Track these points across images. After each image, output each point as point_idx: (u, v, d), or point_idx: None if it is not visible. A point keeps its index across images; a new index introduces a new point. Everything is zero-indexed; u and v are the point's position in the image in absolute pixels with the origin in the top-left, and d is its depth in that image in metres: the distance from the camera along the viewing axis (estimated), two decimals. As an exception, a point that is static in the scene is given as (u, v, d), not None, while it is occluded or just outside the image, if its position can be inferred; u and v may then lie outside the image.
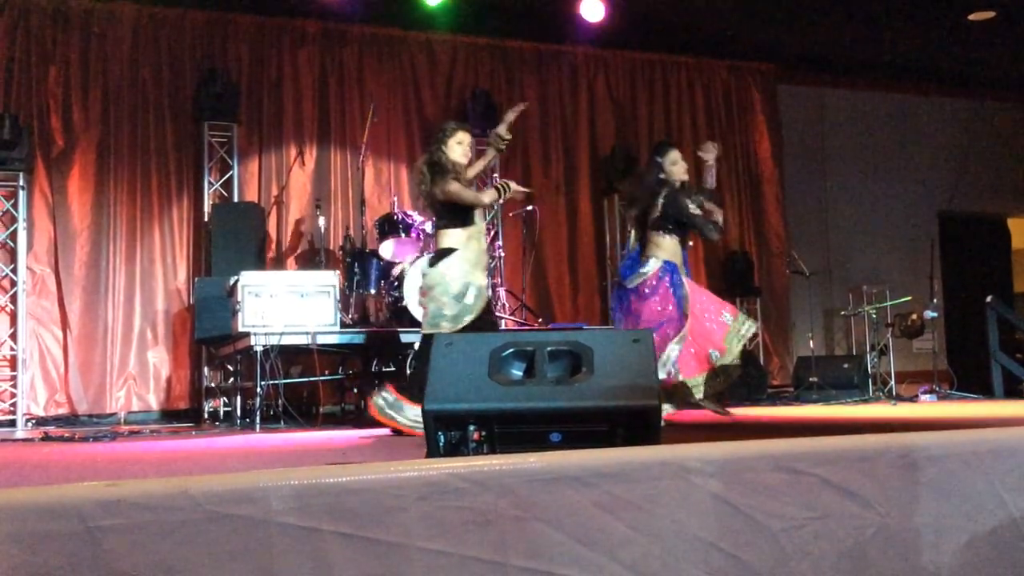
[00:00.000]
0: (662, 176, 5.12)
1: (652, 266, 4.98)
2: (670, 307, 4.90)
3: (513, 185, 4.79)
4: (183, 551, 1.41)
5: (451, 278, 4.58)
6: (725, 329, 4.93)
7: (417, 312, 6.13)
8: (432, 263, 4.68)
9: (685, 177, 5.19)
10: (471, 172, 4.81)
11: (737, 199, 9.35)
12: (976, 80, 10.19)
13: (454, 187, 4.61)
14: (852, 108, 10.10)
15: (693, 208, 5.05)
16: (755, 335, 5.08)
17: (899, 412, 6.20)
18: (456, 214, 4.66)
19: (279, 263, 7.70)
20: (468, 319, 4.56)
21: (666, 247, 5.02)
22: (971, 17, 8.41)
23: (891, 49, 9.27)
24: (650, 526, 1.63)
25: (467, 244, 4.64)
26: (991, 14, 8.33)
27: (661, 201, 5.04)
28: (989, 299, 8.06)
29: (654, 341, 4.74)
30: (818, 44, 9.17)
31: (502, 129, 4.82)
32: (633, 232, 5.26)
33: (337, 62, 8.14)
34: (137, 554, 1.39)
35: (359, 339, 6.35)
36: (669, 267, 4.97)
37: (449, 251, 4.62)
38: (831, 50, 9.32)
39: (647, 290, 4.96)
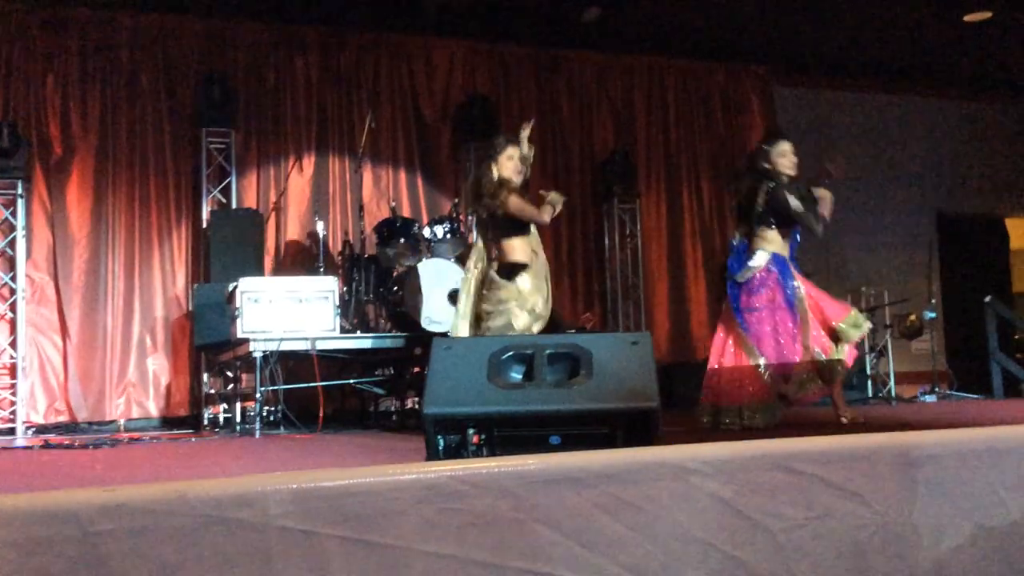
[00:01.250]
0: (767, 167, 5.02)
1: (761, 259, 4.93)
2: (779, 297, 4.89)
3: (558, 197, 4.86)
4: (181, 556, 1.41)
5: (527, 292, 4.76)
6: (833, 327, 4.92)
7: (425, 313, 6.17)
8: (506, 276, 4.80)
9: (793, 172, 5.02)
10: None
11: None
12: (972, 81, 10.21)
13: (516, 203, 4.77)
14: (849, 110, 10.11)
15: (794, 203, 4.97)
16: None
17: (898, 413, 6.21)
18: (516, 224, 4.81)
19: (278, 269, 7.70)
20: (537, 327, 4.77)
21: (773, 240, 4.96)
22: (967, 18, 8.43)
23: (887, 50, 9.28)
24: (649, 527, 1.63)
25: (534, 258, 4.83)
26: (987, 15, 8.34)
27: (763, 197, 4.97)
28: (988, 299, 8.08)
29: (768, 333, 4.80)
30: (814, 46, 9.19)
31: (524, 148, 4.90)
32: (738, 226, 5.19)
33: (335, 68, 8.14)
34: (135, 559, 1.39)
35: (362, 344, 6.35)
36: (779, 260, 4.94)
37: (522, 266, 4.79)
38: (827, 52, 9.33)
39: (757, 283, 4.93)
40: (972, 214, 10.58)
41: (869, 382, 8.22)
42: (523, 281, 4.77)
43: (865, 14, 8.30)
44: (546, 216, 4.83)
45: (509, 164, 4.84)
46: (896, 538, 1.73)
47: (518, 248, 4.82)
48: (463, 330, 4.85)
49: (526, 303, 4.76)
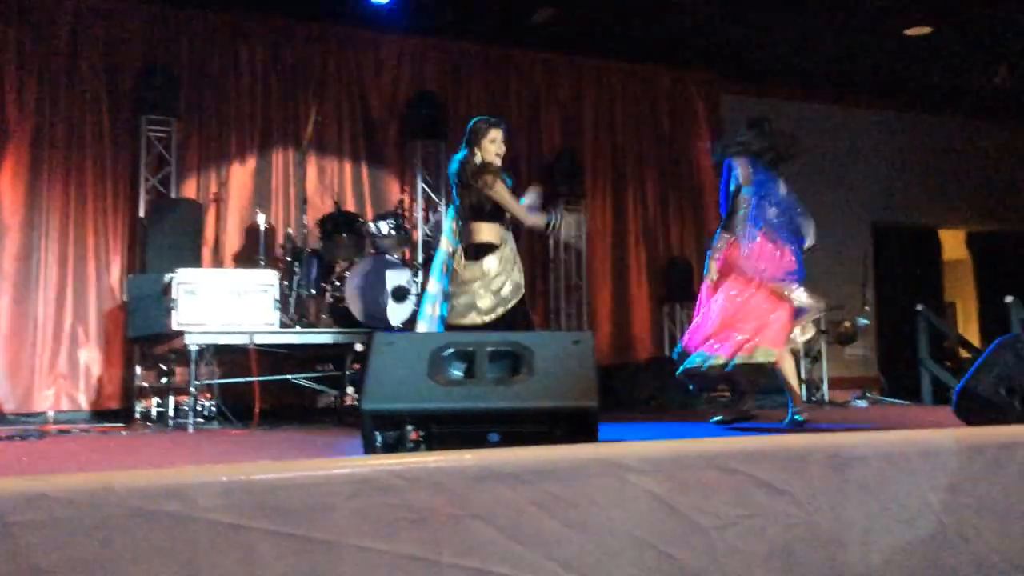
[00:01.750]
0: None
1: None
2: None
3: (564, 221, 4.93)
4: (106, 548, 1.37)
5: (493, 274, 4.85)
6: None
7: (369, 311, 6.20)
8: (473, 257, 4.89)
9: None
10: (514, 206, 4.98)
11: (679, 207, 9.47)
12: (911, 94, 10.45)
13: (502, 193, 4.87)
14: (791, 118, 10.24)
15: None
16: None
17: (831, 416, 6.33)
18: (490, 211, 4.90)
19: (217, 261, 7.57)
20: (501, 311, 4.83)
21: None
22: (907, 32, 8.62)
23: (830, 61, 9.46)
24: (585, 524, 1.63)
25: (503, 243, 4.93)
26: (927, 30, 8.55)
27: None
28: (920, 308, 8.26)
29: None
30: (760, 55, 9.32)
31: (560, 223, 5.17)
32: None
33: (281, 58, 8.03)
34: (58, 550, 1.34)
35: (302, 339, 6.28)
36: None
37: (489, 247, 4.87)
38: (772, 61, 9.48)
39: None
40: (907, 224, 10.84)
41: (804, 386, 8.35)
42: (489, 262, 4.85)
43: (809, 26, 8.45)
44: (530, 220, 4.98)
45: (491, 147, 4.91)
46: (825, 537, 1.76)
47: (485, 230, 4.90)
48: (428, 311, 4.90)
49: (491, 284, 4.83)
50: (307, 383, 6.63)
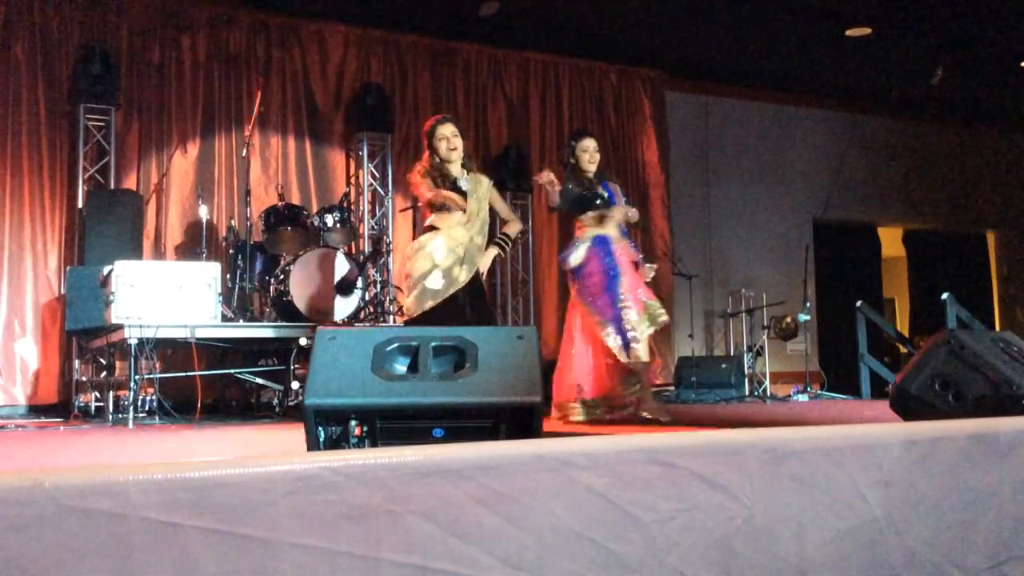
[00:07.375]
0: (572, 161, 5.42)
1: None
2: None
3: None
4: (35, 547, 1.33)
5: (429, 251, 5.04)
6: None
7: (311, 304, 6.19)
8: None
9: (593, 167, 5.48)
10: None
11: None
12: (852, 93, 10.66)
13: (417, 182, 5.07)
14: (735, 117, 10.42)
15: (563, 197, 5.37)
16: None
17: (771, 410, 6.43)
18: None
19: (159, 254, 7.44)
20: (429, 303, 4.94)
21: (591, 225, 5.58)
22: (849, 33, 8.79)
23: (773, 60, 9.60)
24: (525, 519, 1.63)
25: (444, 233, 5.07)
26: (867, 31, 8.73)
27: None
28: (859, 304, 8.44)
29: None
30: (706, 53, 9.43)
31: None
32: None
33: (223, 47, 7.91)
34: (-17, 551, 1.31)
35: (244, 333, 6.20)
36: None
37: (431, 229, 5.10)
38: (717, 59, 9.59)
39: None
40: (847, 222, 11.06)
41: (746, 381, 8.48)
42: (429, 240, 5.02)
43: (754, 25, 8.56)
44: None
45: (442, 145, 5.03)
46: (762, 531, 1.79)
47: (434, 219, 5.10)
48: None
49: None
50: (250, 377, 6.54)
